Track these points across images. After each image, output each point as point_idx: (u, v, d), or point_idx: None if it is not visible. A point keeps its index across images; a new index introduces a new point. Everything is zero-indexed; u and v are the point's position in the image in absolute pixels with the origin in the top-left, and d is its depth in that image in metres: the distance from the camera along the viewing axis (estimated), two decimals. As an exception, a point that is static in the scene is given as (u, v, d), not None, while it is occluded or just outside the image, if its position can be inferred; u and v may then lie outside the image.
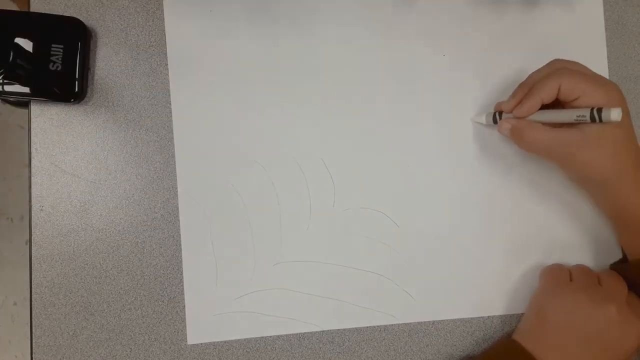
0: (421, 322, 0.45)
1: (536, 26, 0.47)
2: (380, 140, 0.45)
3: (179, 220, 0.44)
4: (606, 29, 0.48)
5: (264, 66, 0.45)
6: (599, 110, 0.36)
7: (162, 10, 0.44)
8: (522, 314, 0.46)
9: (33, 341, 0.43)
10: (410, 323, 0.45)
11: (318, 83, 0.45)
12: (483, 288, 0.46)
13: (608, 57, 0.47)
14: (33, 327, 0.43)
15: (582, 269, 0.44)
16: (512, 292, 0.46)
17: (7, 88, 0.41)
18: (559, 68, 0.39)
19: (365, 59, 0.46)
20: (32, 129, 0.43)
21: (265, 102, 0.45)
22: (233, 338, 0.44)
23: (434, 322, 0.45)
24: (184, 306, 0.44)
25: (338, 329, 0.45)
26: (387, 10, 0.46)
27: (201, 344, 0.44)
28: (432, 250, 0.45)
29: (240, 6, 0.45)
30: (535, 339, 0.41)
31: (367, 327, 0.45)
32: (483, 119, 0.45)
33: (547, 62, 0.41)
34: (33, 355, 0.43)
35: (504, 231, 0.46)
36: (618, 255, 0.47)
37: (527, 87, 0.40)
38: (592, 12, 0.48)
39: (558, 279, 0.43)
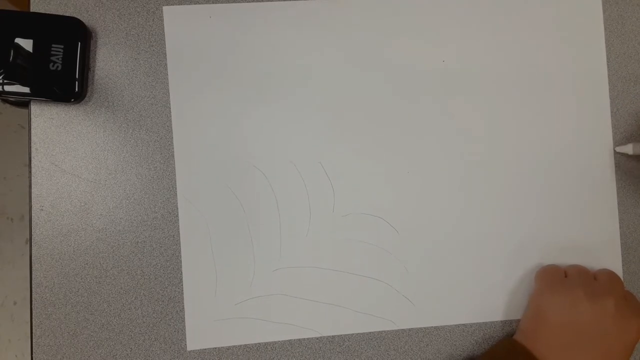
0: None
1: (536, 26, 0.47)
2: (380, 146, 0.45)
3: (179, 220, 0.44)
4: (606, 28, 0.48)
5: (264, 69, 0.45)
6: None
7: (162, 11, 0.44)
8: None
9: (33, 341, 0.43)
10: (410, 323, 0.45)
11: (318, 87, 0.45)
12: (483, 294, 0.46)
13: (608, 57, 0.47)
14: (33, 327, 0.43)
15: (576, 267, 0.44)
16: (513, 297, 0.46)
17: (7, 88, 0.41)
18: None
19: (365, 65, 0.45)
20: (32, 129, 0.43)
21: (265, 105, 0.45)
22: (233, 344, 0.44)
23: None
24: (184, 306, 0.44)
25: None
26: (387, 14, 0.46)
27: (201, 349, 0.44)
28: (432, 256, 0.45)
29: (240, 10, 0.45)
30: (535, 338, 0.41)
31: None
32: (630, 149, 0.45)
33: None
34: (33, 355, 0.43)
35: (504, 237, 0.46)
36: (618, 258, 0.47)
37: None
38: (591, 12, 0.47)
39: (554, 278, 0.43)
